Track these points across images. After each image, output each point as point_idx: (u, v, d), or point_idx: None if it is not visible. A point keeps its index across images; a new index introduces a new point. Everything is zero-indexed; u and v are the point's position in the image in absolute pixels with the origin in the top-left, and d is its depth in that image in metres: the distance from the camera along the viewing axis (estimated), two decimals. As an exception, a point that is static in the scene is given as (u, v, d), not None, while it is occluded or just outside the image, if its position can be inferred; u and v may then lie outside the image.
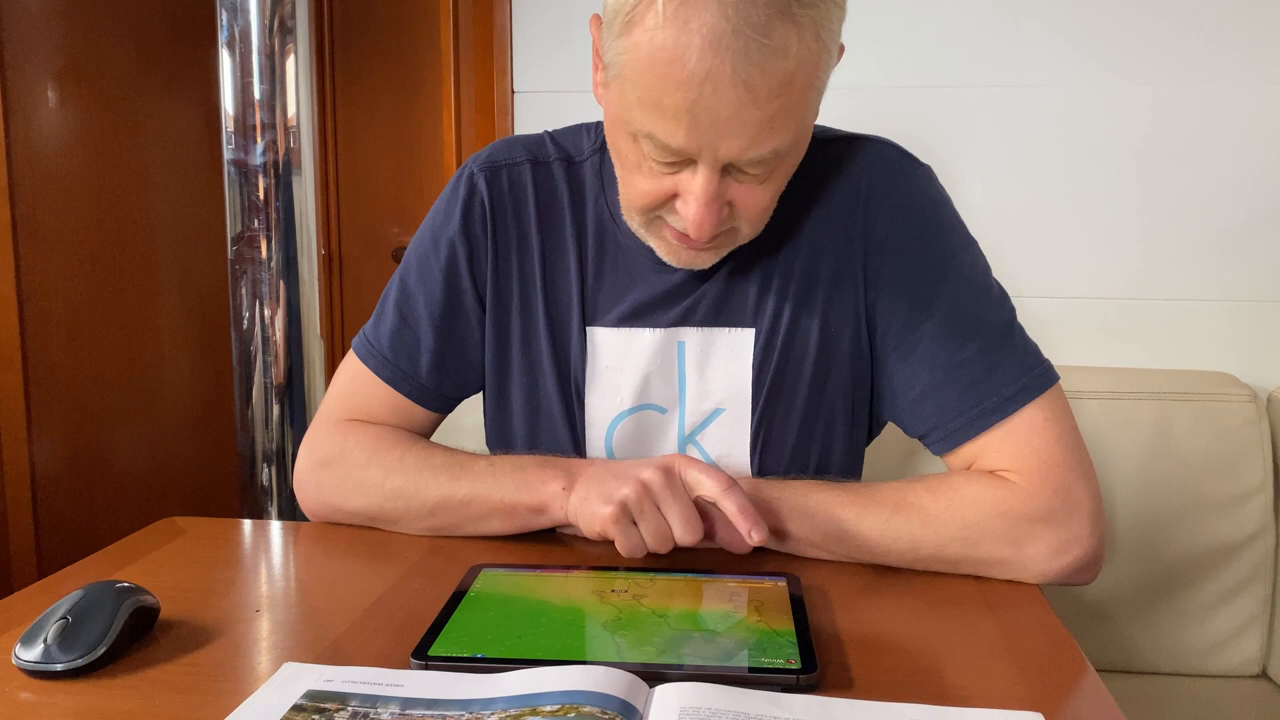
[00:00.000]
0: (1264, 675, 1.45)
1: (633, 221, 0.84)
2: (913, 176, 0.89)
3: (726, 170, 0.75)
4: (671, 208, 0.79)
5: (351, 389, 0.96)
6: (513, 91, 1.74)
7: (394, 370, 0.94)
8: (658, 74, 0.70)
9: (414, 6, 2.09)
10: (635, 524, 0.77)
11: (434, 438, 0.99)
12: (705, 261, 0.84)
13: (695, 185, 0.75)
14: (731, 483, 0.76)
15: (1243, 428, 1.41)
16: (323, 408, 0.98)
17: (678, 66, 0.68)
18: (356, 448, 0.91)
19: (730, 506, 0.75)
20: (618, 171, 0.83)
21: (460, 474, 0.87)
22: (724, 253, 0.84)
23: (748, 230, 0.82)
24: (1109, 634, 1.45)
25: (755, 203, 0.78)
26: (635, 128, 0.75)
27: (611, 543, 0.80)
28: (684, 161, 0.75)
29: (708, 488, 0.76)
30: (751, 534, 0.74)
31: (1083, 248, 1.63)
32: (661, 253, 0.84)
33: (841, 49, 0.76)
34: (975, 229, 0.90)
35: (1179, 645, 1.44)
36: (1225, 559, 1.42)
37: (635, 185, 0.79)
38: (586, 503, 0.79)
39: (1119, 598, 1.43)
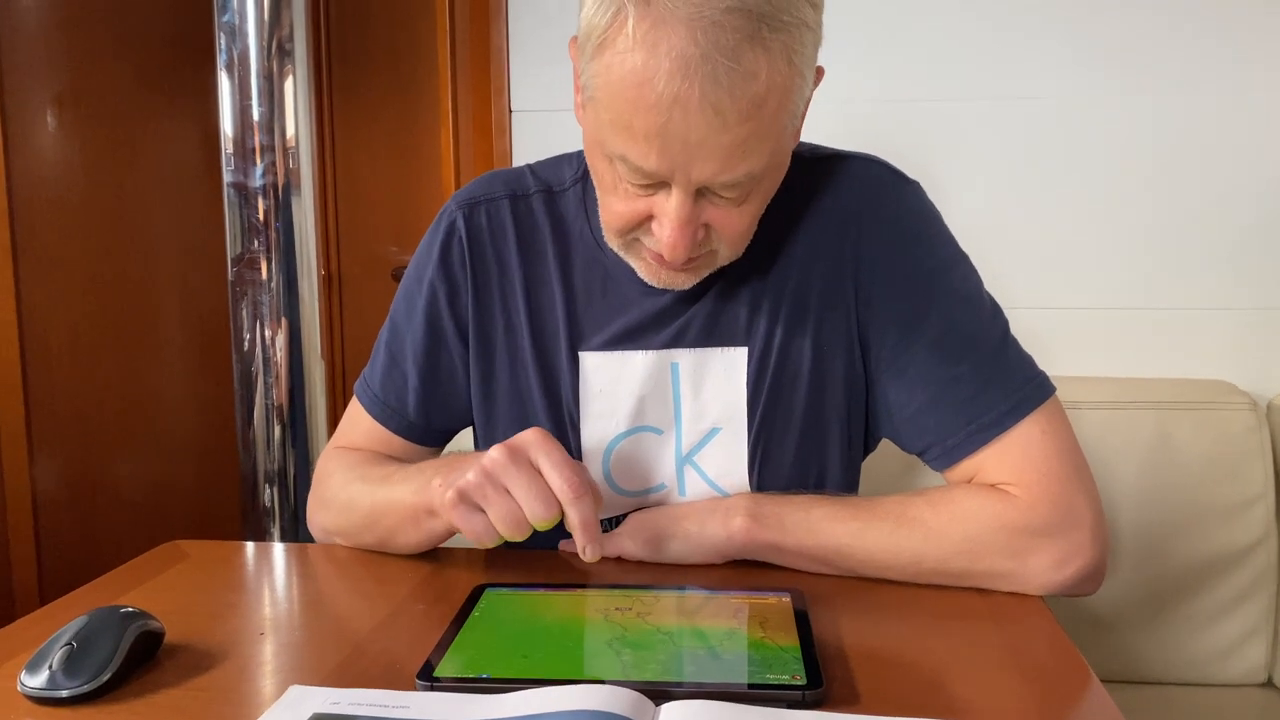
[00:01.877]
0: (1270, 684, 1.45)
1: (613, 243, 0.84)
2: (902, 193, 0.89)
3: (701, 193, 0.75)
4: (648, 229, 0.79)
5: (349, 427, 1.00)
6: (510, 111, 1.75)
7: (384, 408, 0.96)
8: (628, 97, 0.70)
9: (411, 27, 2.10)
10: (483, 510, 0.74)
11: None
12: (685, 282, 0.84)
13: (669, 208, 0.75)
14: (580, 492, 0.73)
15: (1243, 435, 1.41)
16: (328, 444, 1.01)
17: (647, 89, 0.68)
18: (335, 469, 0.95)
19: (573, 517, 0.72)
20: (597, 193, 0.83)
21: (384, 482, 0.87)
22: (704, 274, 0.84)
23: (727, 252, 0.82)
24: (1113, 644, 1.44)
25: (732, 225, 0.78)
26: (609, 150, 0.75)
27: (617, 560, 0.81)
28: (658, 184, 0.75)
29: (556, 488, 0.73)
30: (585, 550, 0.72)
31: (1079, 258, 1.63)
32: (642, 273, 0.84)
33: (820, 72, 0.76)
34: (969, 241, 0.90)
35: (1183, 655, 1.44)
36: (1228, 567, 1.42)
37: (611, 207, 0.80)
38: (443, 495, 0.76)
39: (1122, 608, 1.43)
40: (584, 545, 0.72)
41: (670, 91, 0.68)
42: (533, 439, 0.75)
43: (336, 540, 0.93)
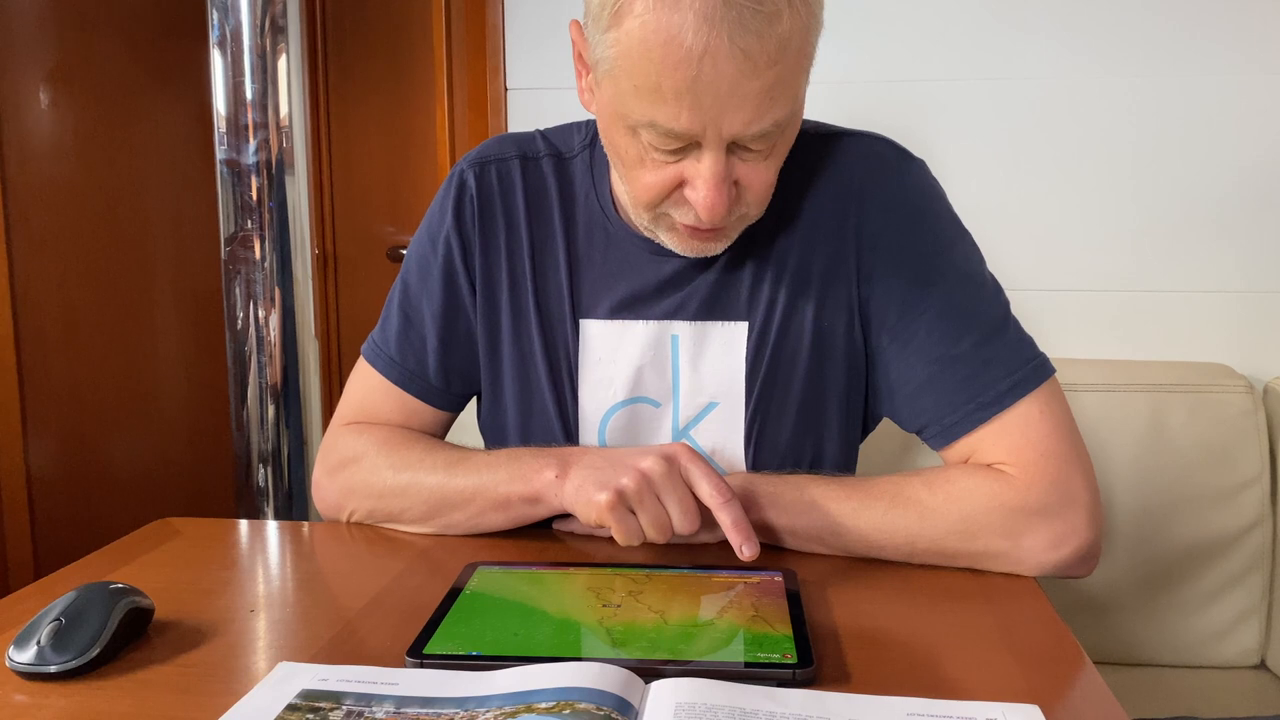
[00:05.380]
0: (1262, 666, 1.45)
1: (641, 219, 0.84)
2: (906, 171, 0.89)
3: (729, 149, 0.75)
4: (679, 198, 0.79)
5: (363, 393, 0.97)
6: (506, 88, 1.74)
7: (402, 371, 0.95)
8: (654, 58, 0.70)
9: (406, 4, 2.08)
10: (633, 512, 0.76)
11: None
12: (717, 248, 0.84)
13: (703, 168, 0.75)
14: (730, 496, 0.75)
15: (1239, 418, 1.41)
16: (336, 413, 0.99)
17: (675, 46, 0.69)
18: (365, 448, 0.92)
19: (725, 520, 0.75)
20: (620, 171, 0.82)
21: (456, 468, 0.87)
22: (734, 237, 0.84)
23: (755, 210, 0.82)
24: (1107, 626, 1.44)
25: (760, 180, 0.78)
26: (634, 120, 0.74)
27: (607, 539, 0.80)
28: (688, 147, 0.75)
29: (705, 495, 0.76)
30: (743, 549, 0.74)
31: (1077, 240, 1.63)
32: (673, 244, 0.84)
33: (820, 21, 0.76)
34: (969, 222, 0.90)
35: (1177, 636, 1.44)
36: (1223, 550, 1.42)
37: (640, 180, 0.79)
38: (582, 490, 0.78)
39: (1117, 589, 1.43)
40: (740, 544, 0.74)
41: (700, 43, 0.68)
42: (681, 450, 0.77)
43: (367, 521, 0.92)
